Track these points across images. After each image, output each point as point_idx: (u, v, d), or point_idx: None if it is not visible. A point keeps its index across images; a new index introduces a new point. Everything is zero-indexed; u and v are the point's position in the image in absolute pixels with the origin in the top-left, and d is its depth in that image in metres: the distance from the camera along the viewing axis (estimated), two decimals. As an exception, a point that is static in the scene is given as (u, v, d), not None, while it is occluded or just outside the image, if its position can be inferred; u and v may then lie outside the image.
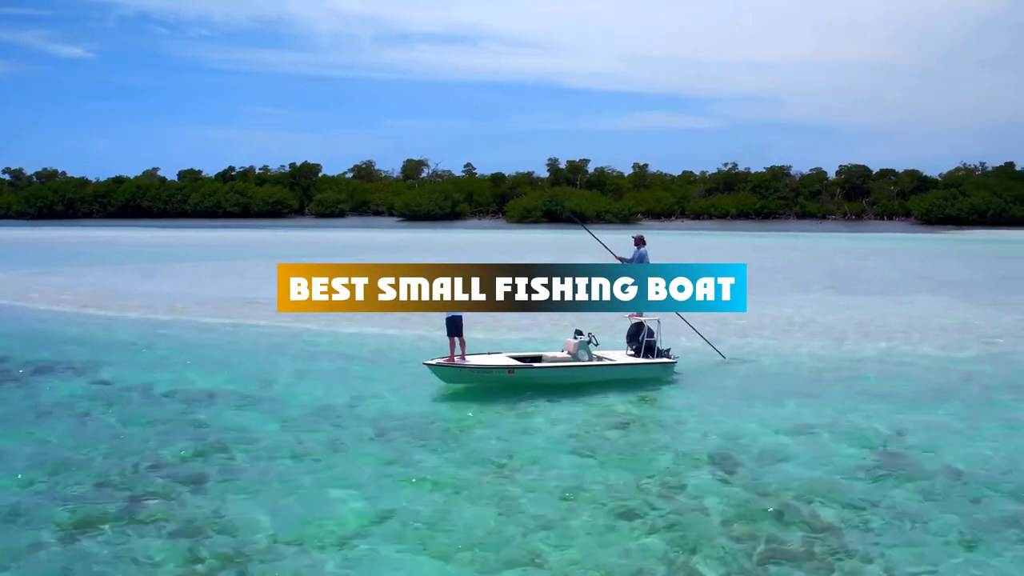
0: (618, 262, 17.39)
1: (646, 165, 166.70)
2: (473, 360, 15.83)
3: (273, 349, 20.15)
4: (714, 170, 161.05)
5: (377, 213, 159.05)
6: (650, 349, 16.80)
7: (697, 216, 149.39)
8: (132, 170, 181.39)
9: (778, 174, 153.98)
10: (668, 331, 18.00)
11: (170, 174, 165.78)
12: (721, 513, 9.78)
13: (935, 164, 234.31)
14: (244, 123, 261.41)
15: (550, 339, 20.29)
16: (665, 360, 16.83)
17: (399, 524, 9.36)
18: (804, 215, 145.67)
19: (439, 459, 11.71)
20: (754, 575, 8.28)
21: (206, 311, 26.84)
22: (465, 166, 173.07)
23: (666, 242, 79.19)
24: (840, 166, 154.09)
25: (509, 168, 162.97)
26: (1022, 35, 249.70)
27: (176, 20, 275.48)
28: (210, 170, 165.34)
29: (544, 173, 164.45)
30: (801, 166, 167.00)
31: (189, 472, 11.05)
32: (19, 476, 10.87)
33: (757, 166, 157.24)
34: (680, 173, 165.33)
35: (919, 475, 11.10)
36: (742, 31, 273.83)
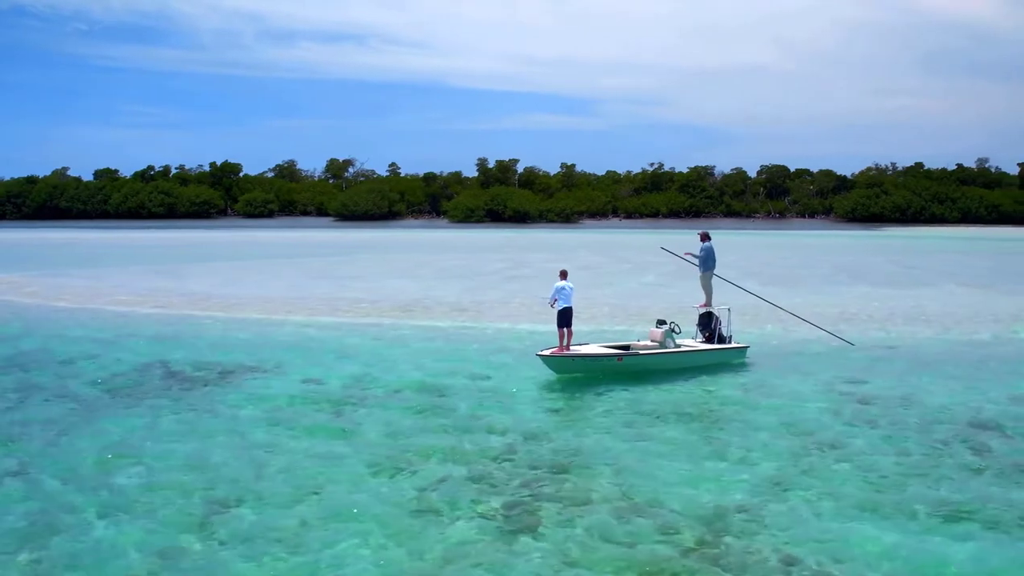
0: (690, 259, 19.56)
1: (573, 165, 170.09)
2: (582, 350, 17.07)
3: (429, 343, 20.70)
4: (638, 169, 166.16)
5: (305, 213, 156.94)
6: (721, 337, 18.64)
7: (629, 215, 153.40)
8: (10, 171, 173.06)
9: (702, 173, 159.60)
10: (780, 321, 19.66)
11: (77, 173, 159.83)
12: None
13: (843, 164, 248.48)
14: (126, 122, 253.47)
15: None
16: (739, 346, 18.82)
17: (804, 490, 10.40)
18: (730, 213, 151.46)
19: (746, 436, 12.76)
20: None
21: (298, 309, 26.75)
22: (390, 165, 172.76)
23: (636, 241, 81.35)
24: (761, 166, 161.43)
25: (416, 166, 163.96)
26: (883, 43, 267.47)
27: (53, 14, 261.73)
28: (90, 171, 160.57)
29: (473, 172, 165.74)
30: (726, 167, 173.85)
31: (548, 458, 11.69)
32: (411, 490, 10.36)
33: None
34: (604, 172, 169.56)
35: None
36: (626, 36, 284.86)
